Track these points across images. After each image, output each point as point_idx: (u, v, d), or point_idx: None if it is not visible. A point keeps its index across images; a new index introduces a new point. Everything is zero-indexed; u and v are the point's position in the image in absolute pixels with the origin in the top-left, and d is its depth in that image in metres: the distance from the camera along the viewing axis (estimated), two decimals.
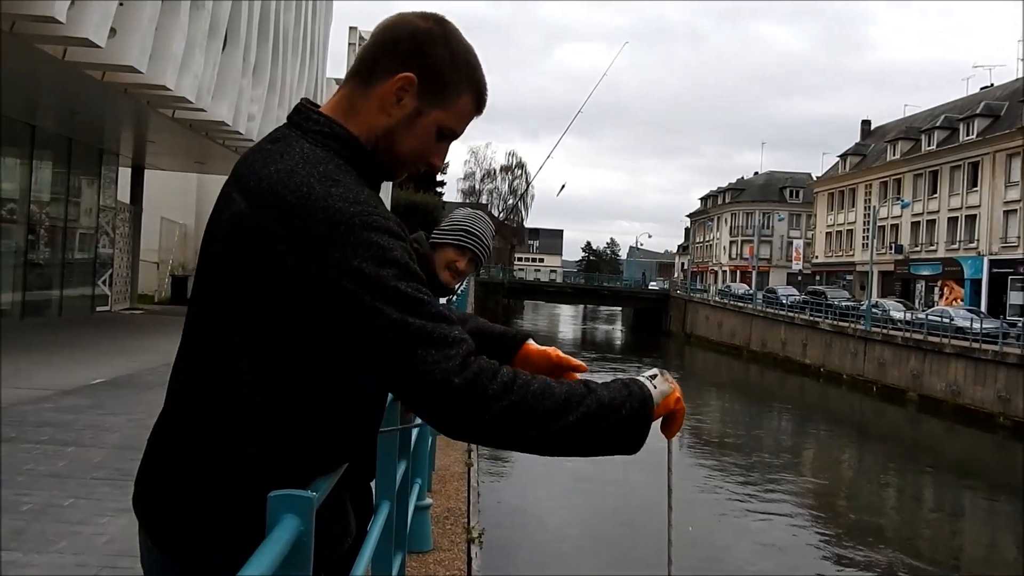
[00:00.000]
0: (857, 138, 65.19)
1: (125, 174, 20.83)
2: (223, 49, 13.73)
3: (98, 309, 19.03)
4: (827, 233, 62.77)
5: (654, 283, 79.35)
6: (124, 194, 20.84)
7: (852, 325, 34.36)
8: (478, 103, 1.41)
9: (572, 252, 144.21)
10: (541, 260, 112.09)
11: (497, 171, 78.11)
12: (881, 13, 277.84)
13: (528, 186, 69.73)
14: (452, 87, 1.37)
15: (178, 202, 25.50)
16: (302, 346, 1.27)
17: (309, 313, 1.24)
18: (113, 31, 9.94)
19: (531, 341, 1.75)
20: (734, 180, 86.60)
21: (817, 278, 60.68)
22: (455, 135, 1.42)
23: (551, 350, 1.72)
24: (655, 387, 1.34)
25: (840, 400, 31.26)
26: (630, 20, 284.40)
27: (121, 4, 10.03)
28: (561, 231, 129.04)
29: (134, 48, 10.42)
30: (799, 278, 62.34)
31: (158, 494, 1.34)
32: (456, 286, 3.38)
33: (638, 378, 1.36)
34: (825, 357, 35.61)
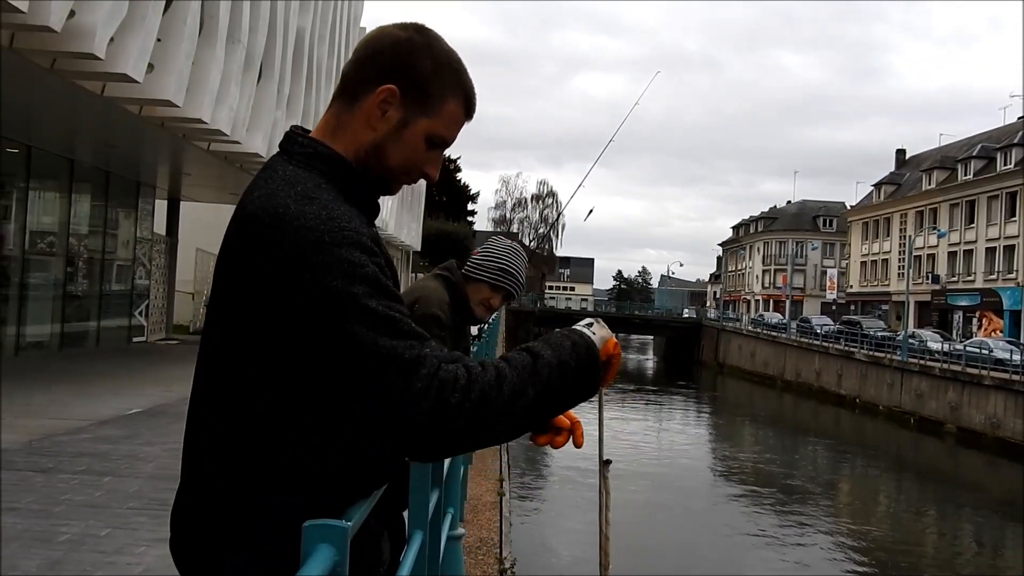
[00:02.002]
0: (891, 167, 64.61)
1: (161, 206, 21.21)
2: (258, 82, 13.99)
3: (134, 340, 19.29)
4: (862, 262, 62.04)
5: (688, 311, 78.64)
6: (160, 226, 21.20)
7: (888, 356, 33.79)
8: (467, 107, 1.40)
9: (603, 281, 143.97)
10: (572, 288, 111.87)
11: (528, 200, 78.47)
12: (901, 42, 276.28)
13: (559, 215, 69.79)
14: (437, 94, 1.36)
15: (212, 233, 25.63)
16: (294, 370, 1.26)
17: (292, 336, 1.23)
18: (151, 66, 10.16)
19: None
20: (766, 209, 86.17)
21: (852, 308, 59.85)
22: (446, 143, 1.41)
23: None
24: (594, 333, 1.35)
25: (876, 432, 30.67)
26: (645, 49, 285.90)
27: (159, 40, 10.26)
28: (592, 260, 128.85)
29: (171, 82, 10.63)
30: (833, 307, 61.55)
31: (187, 535, 1.34)
32: (489, 318, 3.37)
33: (576, 327, 1.36)
34: (861, 388, 35.02)
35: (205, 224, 24.80)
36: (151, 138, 13.74)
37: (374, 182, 1.38)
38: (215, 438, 1.32)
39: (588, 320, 1.39)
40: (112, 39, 9.06)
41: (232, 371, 1.30)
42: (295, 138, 1.37)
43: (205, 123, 11.93)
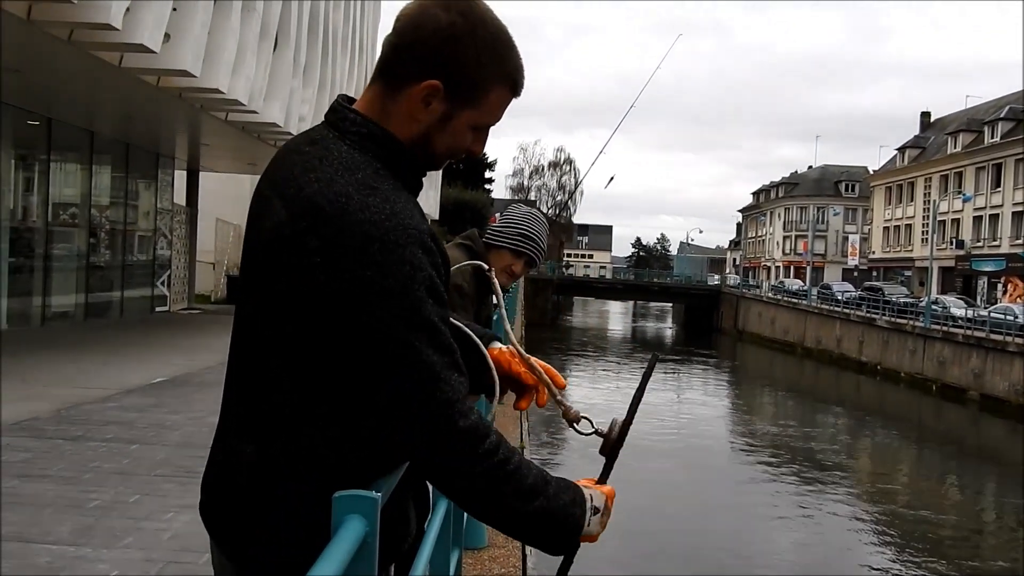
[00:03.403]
0: (915, 130, 63.59)
1: (181, 177, 21.28)
2: (274, 50, 13.93)
3: (157, 309, 19.49)
4: (884, 228, 61.37)
5: (712, 279, 78.00)
6: (180, 197, 21.29)
7: (911, 322, 33.54)
8: (513, 89, 1.36)
9: (622, 248, 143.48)
10: (591, 256, 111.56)
11: (546, 167, 77.99)
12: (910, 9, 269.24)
13: (579, 183, 69.42)
14: (481, 85, 1.32)
15: (231, 203, 25.94)
16: (328, 361, 1.25)
17: (336, 329, 1.22)
18: (167, 36, 10.13)
19: (496, 344, 1.54)
20: (787, 174, 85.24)
21: (874, 274, 59.33)
22: (492, 124, 1.39)
23: (507, 354, 1.51)
24: (589, 523, 1.34)
25: (898, 399, 30.55)
26: (651, 14, 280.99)
27: (175, 9, 10.23)
28: (610, 227, 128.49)
29: (188, 52, 10.62)
30: (855, 274, 61.08)
31: (218, 502, 1.35)
32: (509, 286, 3.36)
33: (586, 502, 1.34)
34: (882, 355, 34.82)
35: (224, 194, 24.96)
36: (169, 109, 13.76)
37: (420, 164, 1.37)
38: (241, 413, 1.33)
39: (600, 505, 1.36)
40: (128, 9, 9.03)
41: (264, 351, 1.30)
42: (346, 113, 1.33)
43: (222, 93, 11.93)
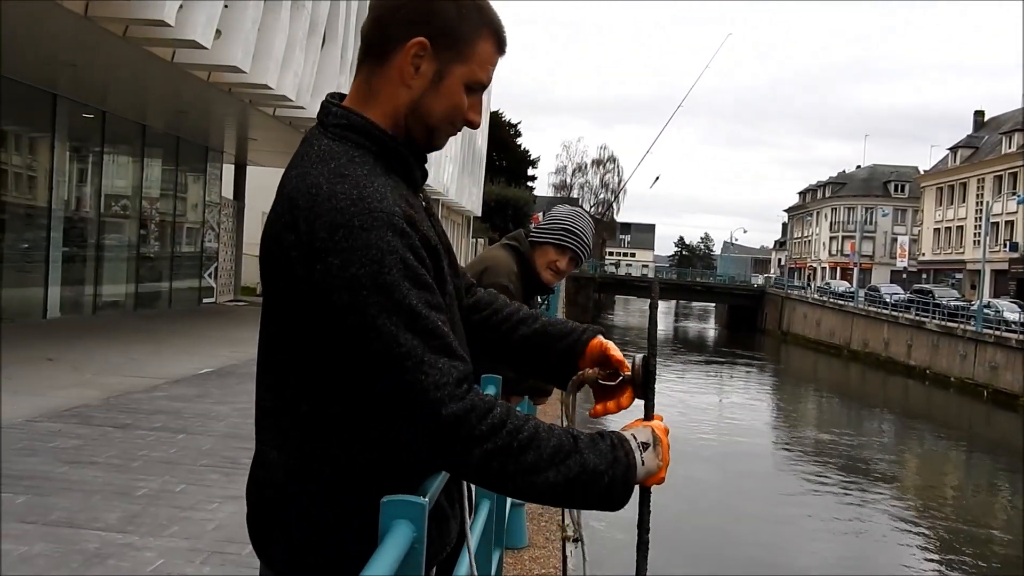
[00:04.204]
0: (968, 130, 62.07)
1: (228, 170, 21.62)
2: (321, 47, 14.06)
3: (204, 301, 19.83)
4: (935, 229, 60.03)
5: (756, 279, 76.90)
6: (228, 190, 21.63)
7: (962, 326, 32.73)
8: (498, 43, 1.34)
9: (664, 247, 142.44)
10: (633, 255, 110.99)
11: (588, 165, 77.76)
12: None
13: (623, 185, 69.05)
14: (467, 37, 1.29)
15: None
16: (322, 358, 1.24)
17: (318, 323, 1.21)
18: (218, 32, 10.28)
19: (601, 337, 1.51)
20: (834, 173, 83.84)
21: (923, 276, 58.11)
22: (483, 85, 1.34)
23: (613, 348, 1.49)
24: (643, 461, 1.26)
25: (947, 404, 29.86)
26: (679, 8, 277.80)
27: (226, 6, 10.37)
28: (653, 225, 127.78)
29: (238, 48, 10.76)
30: (904, 276, 59.84)
31: (249, 506, 1.36)
32: (555, 284, 3.34)
33: (628, 441, 1.27)
34: (932, 359, 34.06)
35: (270, 188, 24.96)
36: (218, 104, 13.97)
37: (416, 145, 1.34)
38: (261, 416, 1.34)
39: (648, 437, 1.29)
40: (181, 6, 9.18)
41: (271, 353, 1.31)
42: (329, 108, 1.33)
43: (271, 89, 12.07)
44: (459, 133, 1.45)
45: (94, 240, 15.31)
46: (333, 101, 1.34)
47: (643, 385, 1.40)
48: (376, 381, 1.19)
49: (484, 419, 1.17)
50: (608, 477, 1.23)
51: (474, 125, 1.37)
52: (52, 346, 10.47)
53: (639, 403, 1.42)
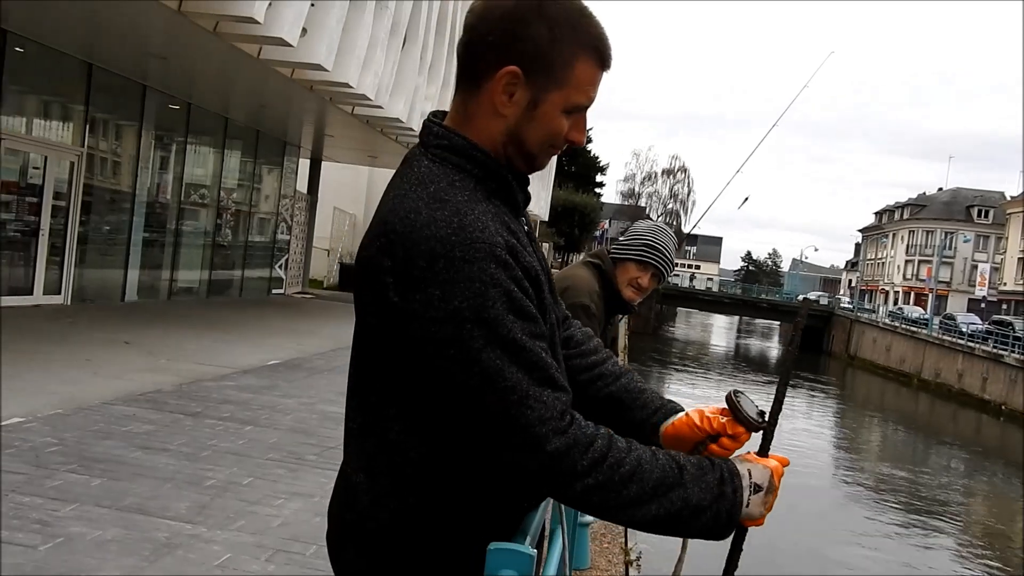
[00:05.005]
0: None
1: (304, 165, 22.02)
2: (402, 48, 14.20)
3: (273, 292, 20.23)
4: (1020, 259, 57.73)
5: (822, 297, 74.85)
6: (302, 184, 22.03)
7: None
8: (600, 61, 1.26)
9: (731, 261, 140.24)
10: (698, 267, 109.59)
11: (658, 174, 77.00)
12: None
13: (712, 203, 68.25)
14: (561, 61, 1.22)
15: (349, 193, 26.71)
16: (421, 386, 1.21)
17: (415, 353, 1.17)
18: (304, 31, 10.45)
19: (680, 416, 1.41)
20: (913, 195, 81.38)
21: (1004, 307, 55.89)
22: (584, 107, 1.28)
23: (697, 416, 1.39)
24: (748, 503, 1.23)
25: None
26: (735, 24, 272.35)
27: (312, 5, 10.55)
28: (720, 238, 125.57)
29: (322, 47, 10.93)
30: (982, 305, 57.67)
31: (339, 535, 1.33)
32: (637, 302, 3.28)
33: (740, 478, 1.23)
34: (1008, 394, 32.73)
35: (342, 184, 25.70)
36: (299, 100, 14.22)
37: (517, 168, 1.29)
38: (349, 437, 1.32)
39: (762, 482, 1.23)
40: (270, 4, 9.36)
41: (359, 374, 1.29)
42: (431, 127, 1.29)
43: (351, 88, 12.23)
44: None
45: (172, 226, 15.75)
46: (435, 120, 1.31)
47: (771, 415, 1.32)
48: (478, 415, 1.17)
49: (586, 454, 1.16)
50: (711, 512, 1.21)
51: (577, 144, 1.32)
52: (129, 329, 10.80)
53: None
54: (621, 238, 3.26)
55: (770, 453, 1.29)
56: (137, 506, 4.26)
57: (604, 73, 1.28)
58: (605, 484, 1.16)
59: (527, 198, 1.35)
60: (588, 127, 1.34)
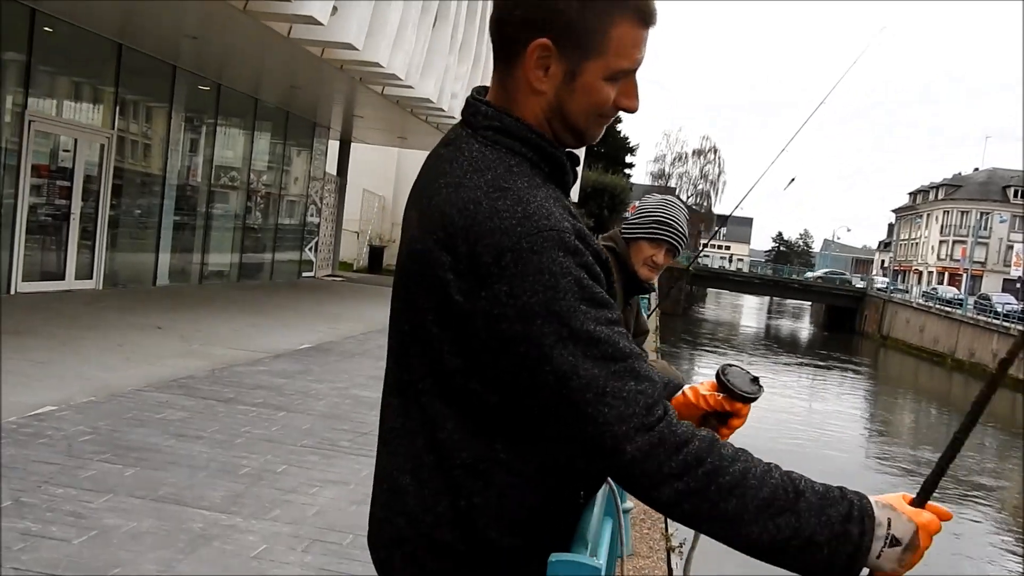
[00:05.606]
0: None
1: (333, 147, 21.96)
2: (433, 27, 14.02)
3: (304, 274, 20.25)
4: None
5: (854, 279, 73.91)
6: (331, 166, 21.98)
7: None
8: (642, 19, 1.16)
9: (762, 241, 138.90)
10: (728, 248, 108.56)
11: (689, 155, 76.21)
12: None
13: (754, 184, 67.57)
14: (594, 28, 1.14)
15: (379, 175, 26.67)
16: (483, 385, 1.12)
17: (481, 351, 1.10)
18: (335, 9, 10.32)
19: (676, 396, 1.36)
20: (949, 176, 79.86)
21: None
22: (633, 69, 1.18)
23: (691, 393, 1.34)
24: (879, 554, 1.04)
25: None
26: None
27: None
28: (751, 219, 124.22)
29: (353, 25, 10.80)
30: (1018, 286, 56.53)
31: (385, 538, 1.24)
32: (655, 280, 3.17)
33: (873, 521, 1.05)
34: None
35: (371, 165, 25.64)
36: (329, 80, 14.12)
37: (566, 145, 1.21)
38: (390, 436, 1.22)
39: (903, 537, 1.04)
40: None
41: (404, 372, 1.20)
42: (478, 107, 1.20)
43: (382, 67, 12.10)
44: None
45: (203, 209, 15.76)
46: (480, 98, 1.21)
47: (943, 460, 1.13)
48: (552, 415, 1.08)
49: (675, 454, 1.05)
50: (827, 551, 1.05)
51: (631, 110, 1.21)
52: (161, 314, 10.81)
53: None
54: (630, 216, 3.14)
55: (930, 503, 1.09)
56: (172, 496, 4.19)
57: (649, 30, 1.18)
58: (698, 492, 1.05)
59: (576, 177, 1.25)
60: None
